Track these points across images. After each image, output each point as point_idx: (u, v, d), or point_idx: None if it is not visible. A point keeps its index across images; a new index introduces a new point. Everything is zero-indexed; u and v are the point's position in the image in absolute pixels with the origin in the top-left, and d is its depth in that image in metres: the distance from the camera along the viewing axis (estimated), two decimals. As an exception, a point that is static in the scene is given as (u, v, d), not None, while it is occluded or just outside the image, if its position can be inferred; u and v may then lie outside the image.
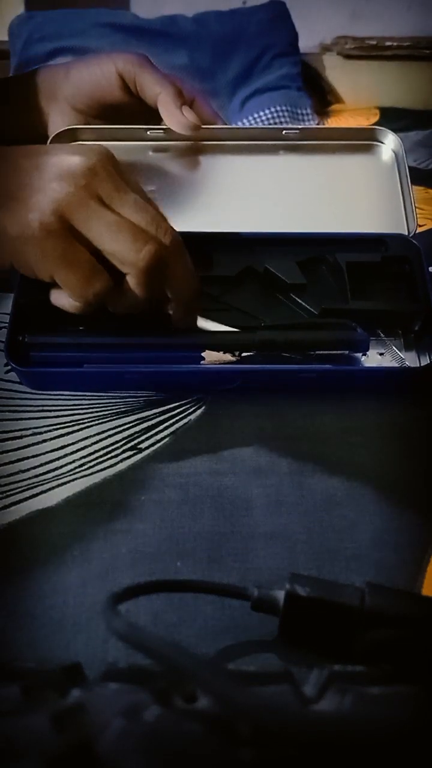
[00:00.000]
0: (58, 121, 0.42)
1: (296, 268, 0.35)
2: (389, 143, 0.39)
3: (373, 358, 0.33)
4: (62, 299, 0.30)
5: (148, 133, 0.39)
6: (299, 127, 0.39)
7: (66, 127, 0.39)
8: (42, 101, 0.42)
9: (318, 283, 0.35)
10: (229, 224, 0.36)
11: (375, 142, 0.39)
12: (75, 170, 0.29)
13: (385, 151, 0.39)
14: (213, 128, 0.39)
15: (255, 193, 0.38)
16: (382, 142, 0.39)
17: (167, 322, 0.32)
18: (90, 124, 0.40)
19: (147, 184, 0.31)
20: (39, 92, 0.42)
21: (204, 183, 0.38)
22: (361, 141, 0.39)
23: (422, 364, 0.33)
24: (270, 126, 0.41)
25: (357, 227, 0.36)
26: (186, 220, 0.33)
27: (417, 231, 0.36)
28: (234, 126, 0.40)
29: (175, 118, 0.38)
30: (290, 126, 0.39)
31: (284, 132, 0.39)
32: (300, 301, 0.34)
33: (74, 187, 0.28)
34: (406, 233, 0.37)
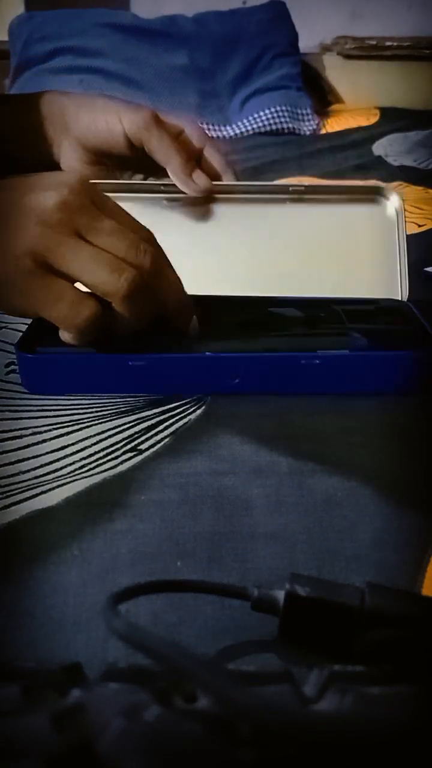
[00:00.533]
0: (69, 155, 0.43)
1: (295, 310, 0.36)
2: (393, 200, 0.41)
3: None
4: (63, 333, 0.31)
5: (162, 187, 0.41)
6: (304, 184, 0.41)
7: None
8: (53, 132, 0.42)
9: (317, 320, 0.36)
10: (235, 270, 0.38)
11: (378, 197, 0.41)
12: (48, 208, 0.29)
13: (389, 206, 0.41)
14: (222, 184, 0.41)
15: (261, 240, 0.40)
16: (386, 198, 0.41)
17: (167, 329, 0.33)
18: (99, 164, 0.42)
19: (159, 234, 0.32)
20: (50, 121, 0.42)
21: (213, 232, 0.40)
22: (365, 196, 0.41)
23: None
24: (276, 184, 0.44)
25: (354, 284, 0.38)
26: (196, 268, 0.34)
27: (407, 286, 0.38)
28: (241, 183, 0.42)
29: (186, 186, 0.39)
30: (296, 184, 0.41)
31: (291, 188, 0.41)
32: (300, 331, 0.36)
33: (48, 226, 0.28)
34: (399, 299, 0.38)
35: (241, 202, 0.41)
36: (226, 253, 0.39)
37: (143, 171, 0.42)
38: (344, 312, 0.36)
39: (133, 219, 0.31)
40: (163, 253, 0.32)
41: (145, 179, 0.43)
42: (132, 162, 0.42)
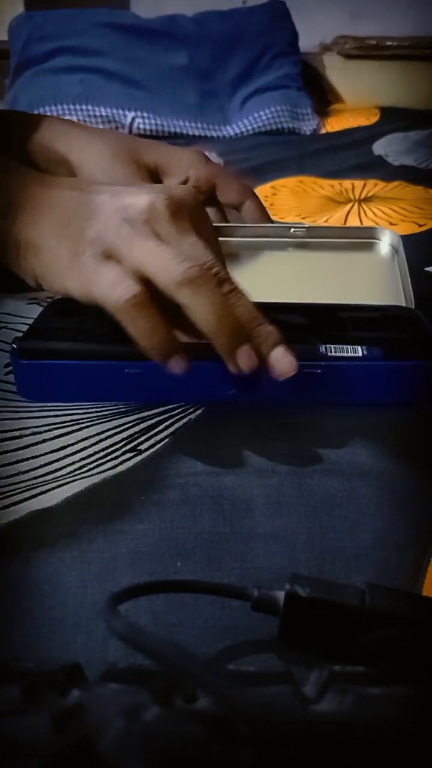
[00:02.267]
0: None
1: (300, 316, 0.36)
2: (386, 239, 0.43)
3: None
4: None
5: None
6: (306, 225, 0.43)
7: None
8: (62, 172, 0.42)
9: (321, 327, 0.36)
10: None
11: (374, 240, 0.43)
12: (137, 208, 0.29)
13: (383, 247, 0.43)
14: (225, 226, 0.42)
15: (264, 285, 0.40)
16: (379, 240, 0.43)
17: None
18: None
19: None
20: (57, 163, 0.42)
21: None
22: (362, 239, 0.43)
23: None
24: (278, 225, 0.45)
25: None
26: None
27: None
28: (243, 225, 0.44)
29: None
30: (297, 224, 0.43)
31: (292, 230, 0.43)
32: (305, 338, 0.35)
33: (130, 224, 0.29)
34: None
35: (244, 247, 0.42)
36: None
37: None
38: (349, 319, 0.36)
39: (219, 250, 0.31)
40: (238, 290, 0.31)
41: None
42: None
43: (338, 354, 0.32)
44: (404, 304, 0.39)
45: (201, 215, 0.30)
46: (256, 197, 0.44)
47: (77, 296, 0.30)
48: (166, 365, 0.28)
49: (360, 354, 0.32)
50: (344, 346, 0.33)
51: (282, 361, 0.28)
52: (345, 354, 0.32)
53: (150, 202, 0.29)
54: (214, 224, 0.41)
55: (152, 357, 0.29)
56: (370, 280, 0.41)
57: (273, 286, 0.40)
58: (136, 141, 0.43)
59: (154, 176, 0.41)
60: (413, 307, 0.38)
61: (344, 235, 0.43)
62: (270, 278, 0.41)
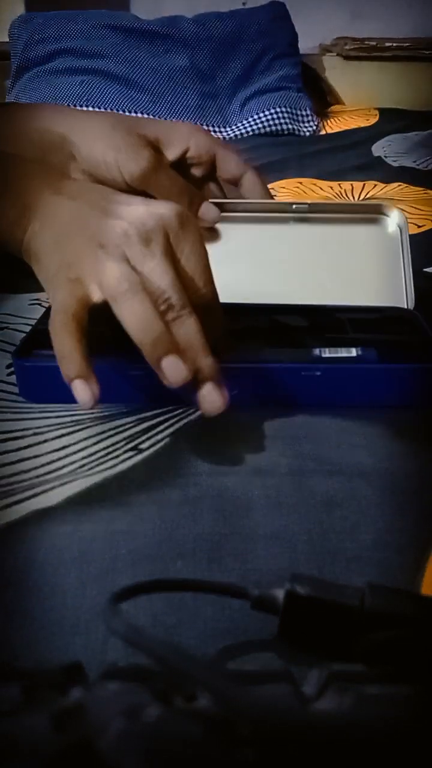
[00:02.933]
0: (81, 179, 0.42)
1: (300, 318, 0.36)
2: (394, 217, 0.41)
3: None
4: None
5: None
6: (308, 202, 0.41)
7: None
8: (62, 159, 0.42)
9: (320, 328, 0.36)
10: (240, 287, 0.38)
11: (381, 216, 0.41)
12: (109, 235, 0.30)
13: (390, 224, 0.41)
14: (227, 202, 0.41)
15: (265, 259, 0.40)
16: (387, 216, 0.41)
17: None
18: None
19: None
20: (55, 151, 0.42)
21: (218, 250, 0.40)
22: (368, 214, 0.41)
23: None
24: (279, 201, 0.43)
25: (359, 298, 0.38)
26: None
27: (412, 300, 0.38)
28: (245, 201, 0.42)
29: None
30: (299, 201, 0.41)
31: (294, 206, 0.41)
32: (303, 339, 0.35)
33: (135, 228, 0.30)
34: (405, 307, 0.38)
35: (244, 221, 0.41)
36: (230, 271, 0.39)
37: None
38: (349, 321, 0.36)
39: (200, 264, 0.31)
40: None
41: None
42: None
43: (333, 355, 0.32)
44: (404, 281, 0.38)
45: (177, 235, 0.30)
46: (256, 171, 0.43)
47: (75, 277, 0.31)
48: (70, 383, 0.29)
49: (354, 355, 0.32)
50: (339, 348, 0.32)
51: (208, 398, 0.29)
52: (340, 355, 0.32)
53: (123, 231, 0.30)
54: (213, 200, 0.41)
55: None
56: (373, 257, 0.40)
57: (274, 261, 0.39)
58: (134, 117, 0.44)
59: (155, 148, 0.41)
60: (413, 291, 0.38)
61: (348, 210, 0.41)
62: (271, 253, 0.40)
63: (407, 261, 0.39)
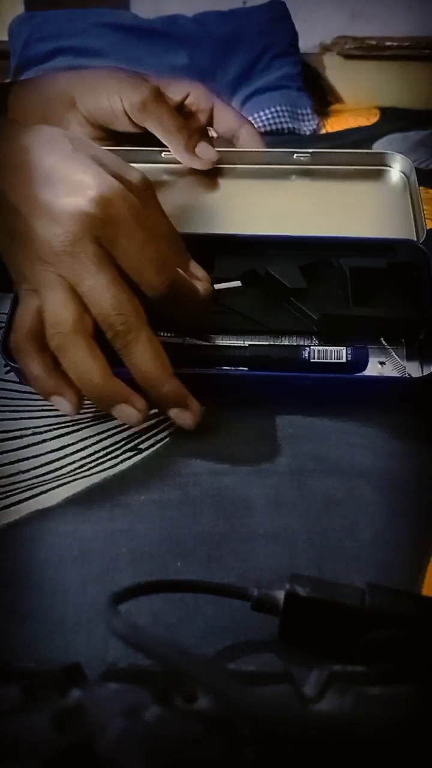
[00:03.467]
0: (77, 130, 0.42)
1: (298, 273, 0.34)
2: (398, 166, 0.39)
3: (374, 368, 0.32)
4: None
5: (163, 155, 0.40)
6: (309, 151, 0.40)
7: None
8: (60, 109, 0.42)
9: (320, 289, 0.34)
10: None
11: (384, 167, 0.40)
12: (42, 249, 0.27)
13: (394, 174, 0.40)
14: (225, 151, 0.39)
15: (266, 214, 0.38)
16: (390, 166, 0.40)
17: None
18: (107, 139, 0.41)
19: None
20: (56, 99, 0.42)
21: (216, 204, 0.39)
22: (372, 165, 0.40)
23: (423, 374, 0.32)
24: (281, 150, 0.41)
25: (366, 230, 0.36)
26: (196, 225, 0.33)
27: (424, 232, 0.36)
28: (245, 150, 0.41)
29: (191, 163, 0.39)
30: (301, 150, 0.39)
31: (295, 156, 0.40)
32: (301, 306, 0.34)
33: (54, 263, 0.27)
34: (415, 239, 0.36)
35: (246, 175, 0.40)
36: (230, 225, 0.37)
37: (153, 145, 0.41)
38: (351, 273, 0.33)
39: (145, 262, 0.29)
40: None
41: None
42: (140, 137, 0.41)
43: (321, 360, 0.31)
44: (413, 225, 0.36)
45: (105, 235, 0.27)
46: (252, 125, 0.42)
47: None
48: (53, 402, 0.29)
49: (344, 359, 0.31)
50: (328, 350, 0.32)
51: (178, 420, 0.29)
52: (328, 360, 0.31)
53: (49, 244, 0.27)
54: (216, 149, 0.39)
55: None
56: (379, 211, 0.38)
57: (275, 217, 0.38)
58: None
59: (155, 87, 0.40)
60: (424, 227, 0.36)
61: (352, 161, 0.39)
62: (272, 208, 0.38)
63: (417, 202, 0.37)
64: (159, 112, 0.39)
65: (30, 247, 0.28)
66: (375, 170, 0.39)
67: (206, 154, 0.39)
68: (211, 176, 0.40)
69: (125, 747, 0.13)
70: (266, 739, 0.13)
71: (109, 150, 0.39)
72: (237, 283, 0.33)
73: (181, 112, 0.41)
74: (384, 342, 0.33)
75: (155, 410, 0.32)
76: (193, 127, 0.41)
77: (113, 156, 0.29)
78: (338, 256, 0.34)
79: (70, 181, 0.27)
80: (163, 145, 0.40)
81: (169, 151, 0.39)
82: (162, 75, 0.44)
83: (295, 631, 0.20)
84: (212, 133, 0.43)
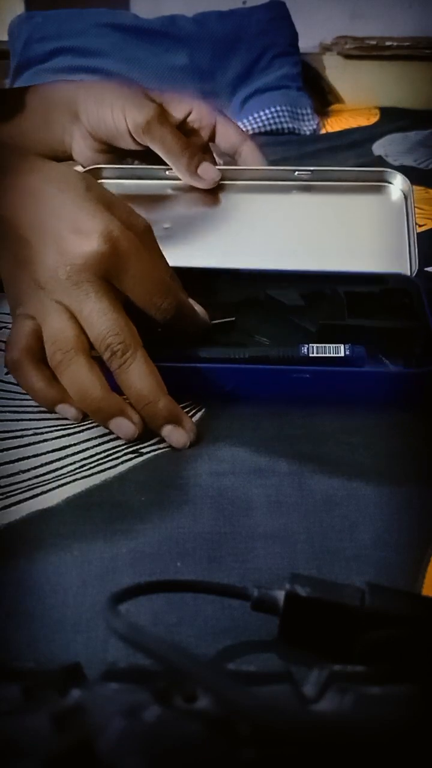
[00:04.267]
0: (80, 143, 0.42)
1: (296, 294, 0.35)
2: (398, 184, 0.40)
3: None
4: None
5: (167, 173, 0.41)
6: (310, 168, 0.40)
7: (90, 167, 0.41)
8: (64, 120, 0.42)
9: (317, 308, 0.35)
10: (240, 258, 0.37)
11: (384, 183, 0.40)
12: (43, 276, 0.29)
13: (394, 191, 0.40)
14: (228, 169, 0.40)
15: (267, 229, 0.39)
16: (391, 183, 0.40)
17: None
18: (110, 152, 0.42)
19: (165, 221, 0.31)
20: (60, 110, 0.42)
21: (219, 219, 0.40)
22: (371, 182, 0.40)
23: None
24: (282, 168, 0.42)
25: (362, 265, 0.37)
26: (200, 255, 0.34)
27: (418, 270, 0.37)
28: (247, 167, 0.42)
29: (193, 182, 0.40)
30: (302, 168, 0.40)
31: (296, 173, 0.41)
32: (299, 323, 0.34)
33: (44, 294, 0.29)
34: (408, 273, 0.37)
35: (246, 190, 0.40)
36: (232, 239, 0.38)
37: (154, 161, 0.42)
38: (347, 296, 0.34)
39: (148, 295, 0.30)
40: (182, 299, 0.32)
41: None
42: (142, 152, 0.41)
43: (320, 355, 0.32)
44: (408, 257, 0.37)
45: (113, 267, 0.29)
46: (253, 142, 0.43)
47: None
48: (57, 412, 0.31)
49: (343, 355, 0.32)
50: (327, 346, 0.32)
51: (171, 439, 0.30)
52: (327, 355, 0.32)
53: (53, 272, 0.29)
54: (217, 167, 0.40)
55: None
56: (377, 224, 0.39)
57: (275, 231, 0.39)
58: (139, 84, 0.44)
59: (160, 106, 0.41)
60: (417, 256, 0.37)
61: (352, 177, 0.40)
62: (272, 223, 0.39)
63: (412, 226, 0.38)
64: (162, 133, 0.39)
65: (32, 274, 0.30)
66: (375, 186, 0.40)
67: (208, 174, 0.40)
68: (213, 191, 0.41)
69: (125, 747, 0.13)
70: (266, 738, 0.13)
71: (116, 167, 0.40)
72: (231, 319, 0.35)
73: (184, 128, 0.42)
74: (383, 358, 0.34)
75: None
76: (196, 144, 0.42)
77: (122, 201, 0.31)
78: (334, 286, 0.36)
79: (80, 220, 0.29)
80: (166, 163, 0.41)
81: (171, 169, 0.40)
82: (164, 87, 0.44)
83: (295, 631, 0.20)
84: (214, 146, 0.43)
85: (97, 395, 0.29)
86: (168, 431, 0.30)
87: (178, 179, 0.40)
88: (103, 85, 0.42)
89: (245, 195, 0.40)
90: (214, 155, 0.45)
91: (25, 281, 0.30)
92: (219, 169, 0.40)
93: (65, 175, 0.31)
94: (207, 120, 0.42)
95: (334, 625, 0.19)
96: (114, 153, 0.42)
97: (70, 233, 0.29)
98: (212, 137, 0.43)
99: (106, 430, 0.31)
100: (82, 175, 0.31)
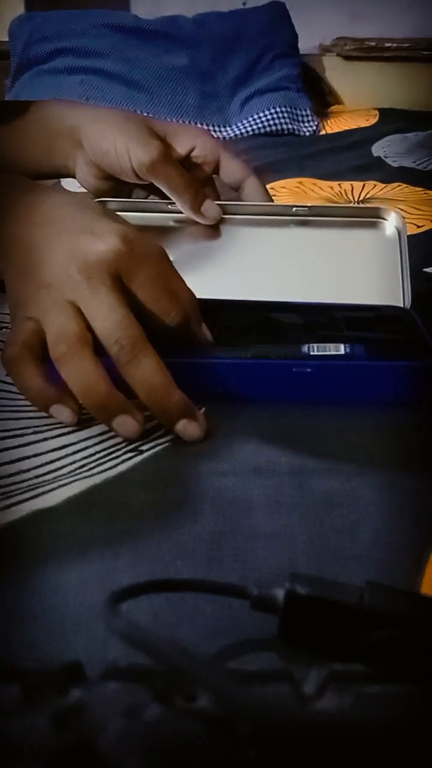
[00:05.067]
0: (83, 170, 0.43)
1: (295, 317, 0.36)
2: (392, 220, 0.41)
3: None
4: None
5: (170, 206, 0.42)
6: (308, 204, 0.42)
7: (96, 200, 0.42)
8: (67, 146, 0.42)
9: (316, 326, 0.36)
10: (240, 290, 0.38)
11: (379, 219, 0.41)
12: (50, 274, 0.29)
13: (388, 227, 0.41)
14: (228, 204, 0.42)
15: (265, 262, 0.40)
16: (385, 219, 0.41)
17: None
18: (112, 180, 0.43)
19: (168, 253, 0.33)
20: (63, 136, 0.42)
21: (219, 252, 0.41)
22: (366, 218, 0.41)
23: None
24: (280, 204, 0.45)
25: (356, 298, 0.38)
26: (201, 287, 0.35)
27: (409, 300, 0.38)
28: (247, 203, 0.43)
29: (197, 219, 0.41)
30: (300, 204, 0.42)
31: (294, 209, 0.42)
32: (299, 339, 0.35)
33: (87, 274, 0.29)
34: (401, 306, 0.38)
35: (247, 223, 0.42)
36: (232, 271, 0.40)
37: (158, 191, 0.43)
38: (344, 319, 0.36)
39: (159, 297, 0.30)
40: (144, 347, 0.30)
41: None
42: (146, 184, 0.42)
43: (321, 353, 0.32)
44: (402, 288, 0.38)
45: (128, 267, 0.29)
46: (257, 177, 0.44)
47: None
48: (50, 414, 0.30)
49: (343, 352, 0.32)
50: (327, 345, 0.33)
51: (184, 433, 0.29)
52: (328, 352, 0.32)
53: (63, 269, 0.29)
54: (218, 203, 0.41)
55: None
56: (371, 260, 0.40)
57: (273, 264, 0.40)
58: (143, 115, 0.44)
59: (164, 142, 0.41)
60: (410, 292, 0.38)
61: (348, 214, 0.42)
62: (271, 255, 0.40)
63: (405, 263, 0.40)
64: (167, 172, 0.40)
65: (37, 276, 0.30)
66: (369, 222, 0.42)
67: (211, 212, 0.41)
68: (215, 224, 0.42)
69: (125, 747, 0.13)
70: (266, 738, 0.13)
71: (124, 201, 0.42)
72: None
73: (188, 162, 0.42)
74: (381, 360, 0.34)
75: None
76: (200, 180, 0.42)
77: (135, 226, 0.32)
78: (331, 312, 0.37)
79: (95, 225, 0.30)
80: (170, 198, 0.42)
81: (175, 203, 0.41)
82: (164, 89, 0.45)
83: (294, 630, 0.20)
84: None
85: (102, 390, 0.28)
86: (183, 426, 0.29)
87: (182, 212, 0.41)
88: (106, 117, 0.42)
89: (245, 228, 0.42)
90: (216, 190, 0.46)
91: (29, 285, 0.30)
92: (220, 205, 0.41)
93: (83, 198, 0.32)
94: (211, 155, 0.43)
95: (333, 625, 0.19)
96: (117, 181, 0.43)
97: (85, 234, 0.29)
98: (216, 170, 0.44)
99: (105, 429, 0.31)
100: (99, 204, 0.33)
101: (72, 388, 0.29)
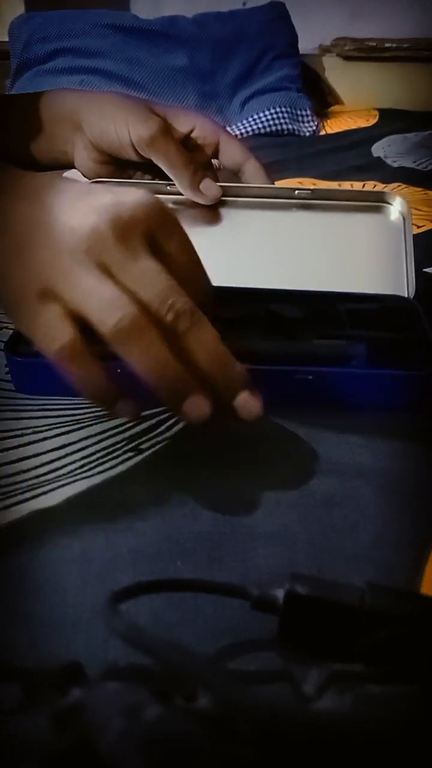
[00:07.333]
0: (82, 154, 0.42)
1: (296, 309, 0.36)
2: (397, 205, 0.40)
3: None
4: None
5: (168, 188, 0.41)
6: (311, 188, 0.41)
7: (93, 180, 0.41)
8: (66, 130, 0.42)
9: (317, 322, 0.35)
10: (240, 275, 0.37)
11: (384, 204, 0.40)
12: (78, 236, 0.25)
13: (393, 212, 0.40)
14: (229, 186, 0.41)
15: (267, 245, 0.39)
16: (390, 204, 0.40)
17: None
18: (112, 164, 0.42)
19: None
20: (62, 120, 0.42)
21: (219, 235, 0.40)
22: (371, 202, 0.40)
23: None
24: (282, 186, 0.43)
25: (359, 284, 0.37)
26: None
27: (413, 288, 0.38)
28: (248, 185, 0.42)
29: (195, 198, 0.40)
30: (302, 187, 0.41)
31: (296, 192, 0.41)
32: (299, 334, 0.35)
33: (72, 257, 0.25)
34: (406, 295, 0.38)
35: (248, 206, 0.41)
36: (232, 256, 0.39)
37: (156, 174, 0.42)
38: (347, 312, 0.35)
39: (191, 262, 0.27)
40: (197, 312, 0.26)
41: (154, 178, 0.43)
42: (144, 164, 0.42)
43: (323, 354, 0.32)
44: (405, 267, 0.38)
45: (162, 225, 0.26)
46: (257, 160, 0.43)
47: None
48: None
49: (345, 354, 0.32)
50: (329, 344, 0.32)
51: (246, 407, 0.26)
52: (330, 353, 0.32)
53: (92, 227, 0.25)
54: (219, 184, 0.40)
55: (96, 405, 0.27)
56: (375, 245, 0.39)
57: (274, 249, 0.39)
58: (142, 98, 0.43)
59: (164, 120, 0.41)
60: (414, 279, 0.37)
61: (352, 197, 0.40)
62: (272, 240, 0.40)
63: (409, 249, 0.39)
64: (166, 147, 0.39)
65: (52, 245, 0.25)
66: (374, 206, 0.41)
67: (210, 191, 0.40)
68: (214, 207, 0.41)
69: (125, 746, 0.13)
70: (266, 738, 0.13)
71: (120, 181, 0.41)
72: None
73: (187, 144, 0.42)
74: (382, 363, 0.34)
75: (157, 409, 0.32)
76: (199, 161, 0.42)
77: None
78: (333, 302, 0.36)
79: (117, 191, 0.26)
80: (169, 178, 0.41)
81: (174, 184, 0.41)
82: (164, 87, 0.44)
83: (294, 631, 0.20)
84: (216, 163, 0.44)
85: (174, 371, 0.24)
86: (244, 399, 0.26)
87: (180, 194, 0.41)
88: (107, 97, 0.42)
89: (246, 211, 0.41)
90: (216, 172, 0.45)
91: (41, 250, 0.25)
92: (220, 186, 0.40)
93: (93, 189, 0.28)
94: (211, 136, 0.42)
95: (333, 625, 0.19)
96: (116, 165, 0.42)
97: (110, 194, 0.26)
98: (215, 154, 0.43)
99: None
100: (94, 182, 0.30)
101: (142, 368, 0.25)
